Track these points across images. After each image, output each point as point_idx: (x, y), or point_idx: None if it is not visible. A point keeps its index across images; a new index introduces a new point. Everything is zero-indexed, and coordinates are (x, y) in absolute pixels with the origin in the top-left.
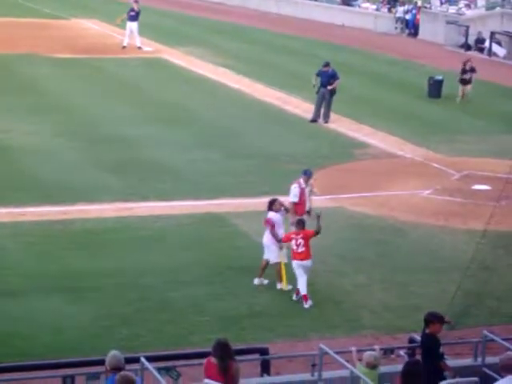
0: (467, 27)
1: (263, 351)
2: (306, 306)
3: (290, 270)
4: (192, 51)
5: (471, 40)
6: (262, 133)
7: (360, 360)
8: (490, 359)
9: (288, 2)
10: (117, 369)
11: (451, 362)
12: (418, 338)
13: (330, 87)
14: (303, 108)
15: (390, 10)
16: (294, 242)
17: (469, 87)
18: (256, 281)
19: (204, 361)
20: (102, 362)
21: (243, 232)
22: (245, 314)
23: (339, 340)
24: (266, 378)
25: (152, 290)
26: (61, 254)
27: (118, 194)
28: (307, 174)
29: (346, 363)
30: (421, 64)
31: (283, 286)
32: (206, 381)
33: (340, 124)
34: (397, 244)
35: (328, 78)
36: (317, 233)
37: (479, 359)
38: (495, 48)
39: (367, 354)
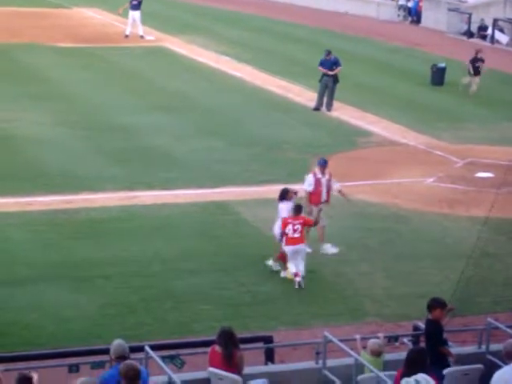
0: (470, 14)
1: (267, 339)
2: (298, 282)
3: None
4: (194, 40)
5: (474, 27)
6: (265, 121)
7: (364, 348)
8: (494, 346)
9: None
10: (121, 357)
11: (455, 349)
12: (421, 325)
13: (331, 73)
14: (306, 96)
15: None
16: (290, 226)
17: (477, 79)
18: (270, 262)
19: (208, 349)
20: (106, 351)
21: (247, 220)
22: (249, 303)
23: (343, 328)
24: (271, 366)
25: (156, 279)
26: (66, 243)
27: (122, 182)
28: (320, 164)
29: (350, 351)
30: (423, 51)
31: (287, 274)
32: (211, 369)
33: (343, 112)
34: (400, 232)
35: (331, 64)
36: (315, 224)
37: (483, 346)
38: (498, 35)
39: (371, 342)
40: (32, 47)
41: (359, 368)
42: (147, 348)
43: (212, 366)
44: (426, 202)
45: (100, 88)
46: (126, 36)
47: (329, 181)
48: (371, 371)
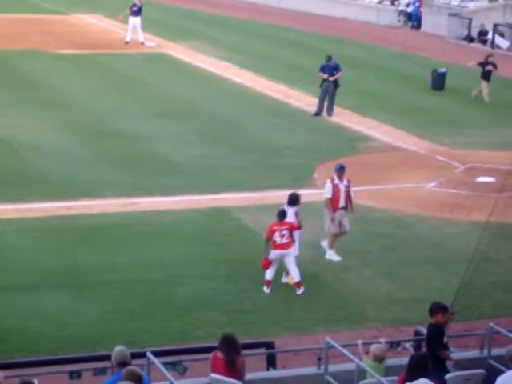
0: (470, 19)
1: (269, 345)
2: (266, 290)
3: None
4: (194, 45)
5: (474, 32)
6: (266, 126)
7: (367, 353)
8: (495, 351)
9: None
10: (123, 364)
11: (457, 354)
12: (423, 330)
13: (332, 78)
14: (306, 101)
15: (392, 3)
16: (277, 233)
17: (487, 83)
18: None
19: (210, 355)
20: (108, 358)
21: (248, 226)
22: (250, 308)
23: (345, 333)
24: (272, 372)
25: (157, 285)
26: (66, 249)
27: (123, 189)
28: (337, 169)
29: (352, 356)
30: (424, 56)
31: (289, 279)
32: (212, 375)
33: (343, 117)
34: (401, 237)
35: (331, 70)
36: (300, 227)
37: (485, 351)
38: (498, 40)
39: (374, 347)
40: (32, 54)
41: (361, 373)
42: (149, 354)
43: (214, 372)
44: (427, 207)
45: (101, 94)
46: (127, 42)
47: (347, 187)
48: (373, 376)
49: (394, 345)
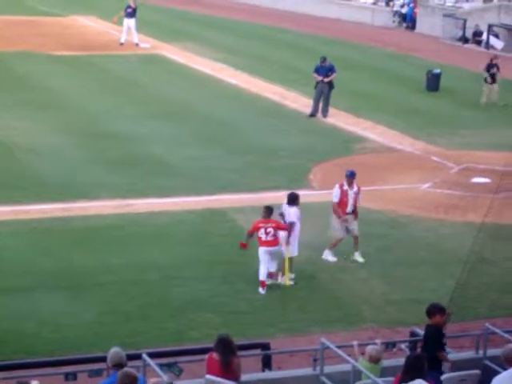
0: (465, 20)
1: (264, 346)
2: (262, 292)
3: (294, 265)
4: (188, 47)
5: (469, 33)
6: (261, 128)
7: (362, 354)
8: (491, 352)
9: None
10: (119, 365)
11: (453, 354)
12: (419, 331)
13: (326, 79)
14: (301, 102)
15: (387, 4)
16: (262, 230)
17: (496, 86)
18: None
19: (206, 356)
20: (103, 359)
21: (243, 227)
22: (246, 310)
23: (340, 334)
24: (268, 373)
25: (153, 286)
26: (62, 251)
27: (119, 190)
28: (347, 176)
29: (347, 357)
30: (418, 57)
31: (285, 281)
32: (208, 376)
33: (338, 118)
34: (396, 237)
35: (326, 71)
36: (287, 228)
37: (481, 352)
38: (493, 41)
39: (370, 348)
40: (27, 55)
41: (357, 374)
42: (145, 356)
43: (209, 373)
44: (422, 208)
45: (95, 96)
46: (121, 44)
47: (356, 193)
48: (369, 377)
49: (389, 346)
